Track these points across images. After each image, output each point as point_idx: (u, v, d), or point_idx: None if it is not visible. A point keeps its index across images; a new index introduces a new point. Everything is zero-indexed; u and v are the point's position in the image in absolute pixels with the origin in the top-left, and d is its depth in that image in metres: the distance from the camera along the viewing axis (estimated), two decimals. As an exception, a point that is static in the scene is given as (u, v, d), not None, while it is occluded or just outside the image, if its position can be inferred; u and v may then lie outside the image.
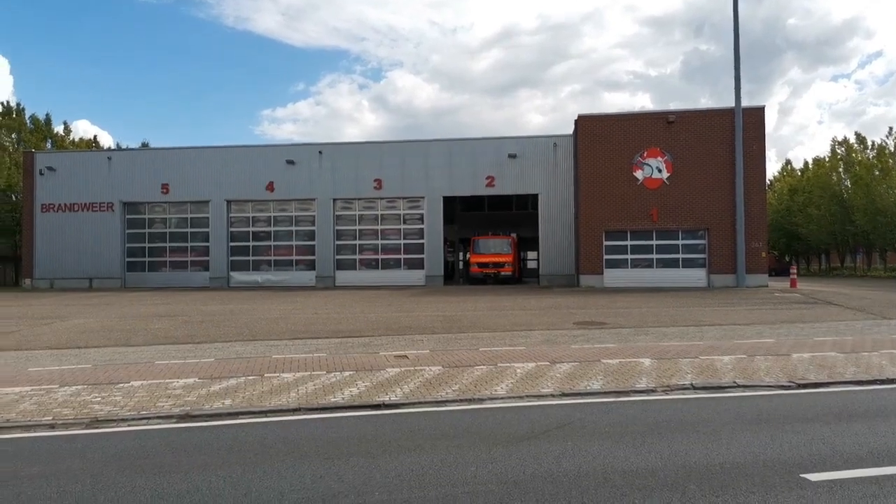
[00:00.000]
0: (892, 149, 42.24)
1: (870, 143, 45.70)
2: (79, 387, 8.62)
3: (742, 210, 27.76)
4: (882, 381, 8.56)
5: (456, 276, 42.30)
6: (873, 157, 43.70)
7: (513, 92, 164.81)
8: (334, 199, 34.40)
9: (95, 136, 54.96)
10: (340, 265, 34.63)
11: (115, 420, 7.02)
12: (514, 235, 36.44)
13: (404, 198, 34.41)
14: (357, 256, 34.88)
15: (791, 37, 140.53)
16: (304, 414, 7.28)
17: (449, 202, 35.79)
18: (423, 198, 33.93)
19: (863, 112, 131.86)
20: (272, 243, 35.42)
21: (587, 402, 7.69)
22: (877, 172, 41.54)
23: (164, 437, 6.44)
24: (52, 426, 6.87)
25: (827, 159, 49.72)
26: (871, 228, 41.85)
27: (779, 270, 48.89)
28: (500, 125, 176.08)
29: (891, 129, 48.00)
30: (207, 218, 35.27)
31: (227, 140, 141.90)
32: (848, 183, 45.58)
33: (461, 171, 33.48)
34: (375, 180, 33.93)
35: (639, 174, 29.03)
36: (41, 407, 7.54)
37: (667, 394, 8.07)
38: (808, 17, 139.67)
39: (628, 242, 29.57)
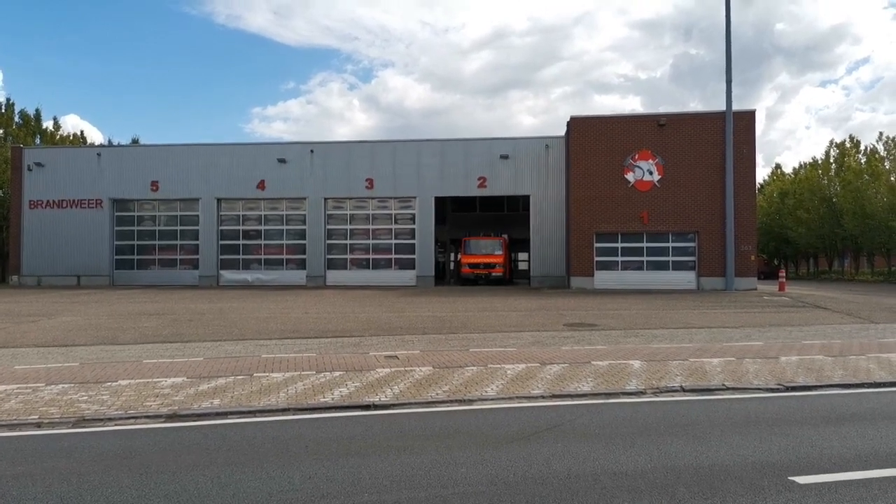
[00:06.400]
0: (882, 153, 42.58)
1: (862, 148, 46.06)
2: (65, 385, 8.53)
3: (732, 213, 27.93)
4: (869, 385, 8.64)
5: (447, 276, 42.26)
6: (864, 161, 44.05)
7: (504, 93, 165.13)
8: (325, 199, 34.27)
9: (82, 132, 54.34)
10: (331, 265, 34.51)
11: (102, 419, 6.96)
12: (505, 236, 36.46)
13: (396, 198, 34.33)
14: (348, 256, 34.76)
15: (779, 42, 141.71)
16: (293, 414, 7.24)
17: (440, 202, 35.74)
18: (414, 198, 33.88)
19: (848, 117, 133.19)
20: (262, 242, 35.22)
21: (577, 403, 7.71)
22: (866, 177, 41.86)
23: (151, 437, 6.39)
24: (38, 425, 6.79)
25: (820, 161, 50.04)
26: (859, 232, 42.17)
27: (767, 274, 49.26)
28: (491, 126, 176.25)
29: (881, 133, 48.36)
30: (197, 216, 35.00)
31: (217, 137, 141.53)
32: (838, 187, 45.92)
33: (453, 171, 33.44)
34: (367, 180, 33.83)
35: (630, 176, 29.15)
36: (27, 405, 7.46)
37: (656, 396, 8.09)
38: (797, 22, 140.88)
39: (619, 244, 29.67)
